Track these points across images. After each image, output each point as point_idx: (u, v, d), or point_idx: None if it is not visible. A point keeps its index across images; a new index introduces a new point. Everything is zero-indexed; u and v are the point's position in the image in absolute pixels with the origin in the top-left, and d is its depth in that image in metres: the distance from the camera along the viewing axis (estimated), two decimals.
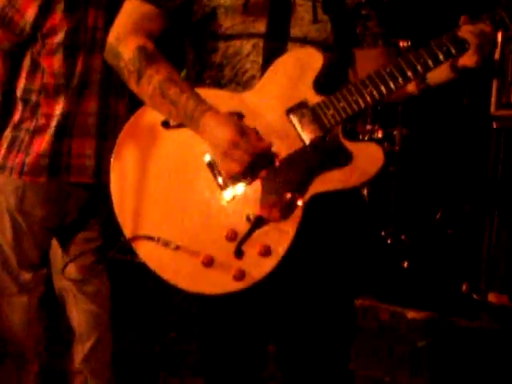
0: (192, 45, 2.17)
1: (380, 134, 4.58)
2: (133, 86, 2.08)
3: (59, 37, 2.96)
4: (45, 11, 2.94)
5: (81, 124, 3.02)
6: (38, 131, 2.98)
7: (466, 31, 1.97)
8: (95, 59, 3.00)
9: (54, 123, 2.97)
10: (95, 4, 3.02)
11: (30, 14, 2.92)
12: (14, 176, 2.98)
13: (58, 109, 2.98)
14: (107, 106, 3.06)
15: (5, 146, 3.04)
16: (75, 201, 3.07)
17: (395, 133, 4.62)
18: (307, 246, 2.04)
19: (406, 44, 4.44)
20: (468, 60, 1.98)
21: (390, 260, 4.44)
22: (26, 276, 3.08)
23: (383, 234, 4.59)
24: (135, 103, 2.17)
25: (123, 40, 2.08)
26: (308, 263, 2.09)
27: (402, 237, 4.61)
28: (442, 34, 2.00)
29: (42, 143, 2.97)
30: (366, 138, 4.51)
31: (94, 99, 3.03)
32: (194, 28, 2.13)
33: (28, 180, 2.97)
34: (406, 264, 4.41)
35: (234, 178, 1.99)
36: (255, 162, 1.95)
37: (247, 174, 1.98)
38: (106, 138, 3.03)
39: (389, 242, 4.56)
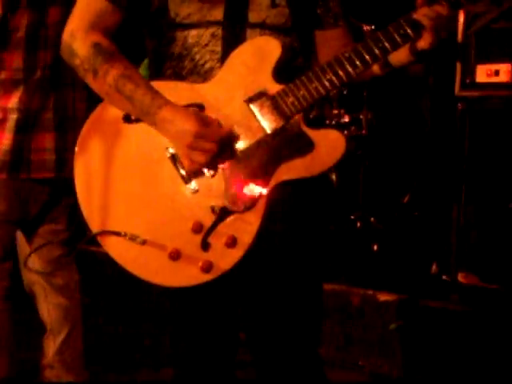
0: (151, 35, 2.16)
1: (347, 119, 4.60)
2: (90, 82, 2.07)
3: (21, 32, 2.94)
4: (11, 9, 2.92)
5: (40, 119, 3.00)
6: None
7: (421, 14, 1.97)
8: (53, 54, 2.99)
9: (13, 117, 2.95)
10: (56, 0, 3.00)
11: None
12: None
13: (15, 103, 2.96)
14: (64, 100, 3.04)
15: None
16: (37, 196, 3.05)
17: (362, 117, 4.63)
18: (273, 234, 2.05)
19: (369, 28, 4.45)
20: (424, 43, 1.98)
21: (360, 244, 4.46)
22: None
23: (352, 217, 4.61)
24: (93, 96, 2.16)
25: (78, 37, 2.06)
26: (274, 250, 2.10)
27: (371, 220, 4.63)
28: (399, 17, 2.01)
29: (3, 138, 2.95)
30: (333, 123, 4.52)
31: (52, 92, 3.02)
32: (151, 18, 2.11)
33: None
34: (375, 247, 4.44)
35: (196, 171, 1.99)
36: (219, 151, 1.95)
37: (211, 164, 1.98)
38: (66, 131, 3.01)
39: (358, 225, 4.59)
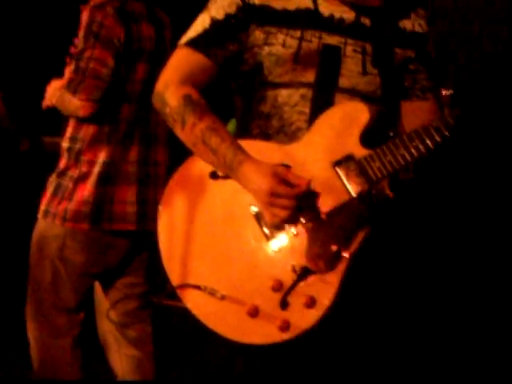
0: (240, 93, 2.22)
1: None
2: (178, 132, 2.13)
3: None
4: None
5: (124, 171, 3.08)
6: (81, 178, 3.04)
7: None
8: (134, 110, 3.08)
9: (96, 170, 3.03)
10: (144, 58, 3.10)
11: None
12: (57, 222, 3.03)
13: (101, 156, 3.04)
14: (147, 154, 3.12)
15: (50, 191, 3.09)
16: (117, 250, 3.11)
17: None
18: (353, 295, 2.06)
19: (448, 93, 4.44)
20: None
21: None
22: (61, 320, 3.11)
23: None
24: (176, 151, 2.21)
25: (170, 87, 2.13)
26: (354, 313, 2.10)
27: None
28: None
29: (85, 190, 3.02)
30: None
31: (135, 147, 3.10)
32: (243, 76, 2.18)
33: (70, 226, 3.02)
34: None
35: (279, 227, 2.02)
36: (299, 207, 1.98)
37: (292, 221, 2.00)
38: (147, 184, 3.08)
39: None
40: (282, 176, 1.99)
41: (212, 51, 2.12)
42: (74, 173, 3.05)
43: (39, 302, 3.10)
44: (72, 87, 2.99)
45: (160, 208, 2.16)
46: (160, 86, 2.15)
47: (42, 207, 3.09)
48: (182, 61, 2.16)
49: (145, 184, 3.09)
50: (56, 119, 3.28)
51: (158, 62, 3.13)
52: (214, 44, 2.12)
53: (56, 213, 3.04)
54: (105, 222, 3.04)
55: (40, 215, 3.09)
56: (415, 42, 2.20)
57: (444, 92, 4.44)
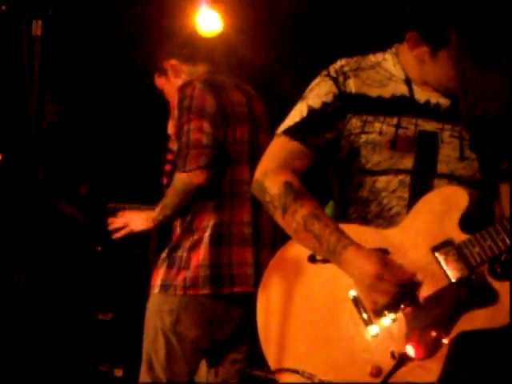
0: (338, 179, 2.24)
1: None
2: (278, 219, 2.15)
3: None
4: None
5: (237, 233, 3.09)
6: (195, 246, 3.06)
7: None
8: (242, 171, 3.11)
9: (207, 234, 3.05)
10: (240, 120, 3.16)
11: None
12: (179, 292, 3.03)
13: (211, 220, 3.07)
14: (259, 215, 3.15)
15: (164, 266, 3.11)
16: (233, 317, 3.11)
17: None
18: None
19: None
20: None
21: None
22: None
23: None
24: None
25: (270, 175, 2.16)
26: None
27: None
28: None
29: (200, 255, 3.04)
30: (503, 259, 4.40)
31: (247, 208, 3.12)
32: (339, 163, 2.20)
33: (192, 294, 3.02)
34: None
35: (379, 313, 2.01)
36: (400, 293, 1.97)
37: (392, 306, 1.99)
38: (260, 246, 3.10)
39: None
40: (387, 262, 1.99)
41: (309, 139, 2.15)
42: (186, 243, 3.08)
43: (154, 378, 3.11)
44: (180, 163, 3.02)
45: (259, 291, 2.18)
46: (259, 174, 2.19)
47: (158, 282, 3.11)
48: (280, 149, 2.20)
49: (259, 246, 3.11)
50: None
51: (258, 125, 3.19)
52: (311, 132, 2.15)
53: (176, 284, 3.05)
54: (226, 285, 3.04)
55: (156, 290, 3.11)
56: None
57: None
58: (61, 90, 5.70)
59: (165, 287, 3.07)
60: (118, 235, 3.25)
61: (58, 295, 5.43)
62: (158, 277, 3.10)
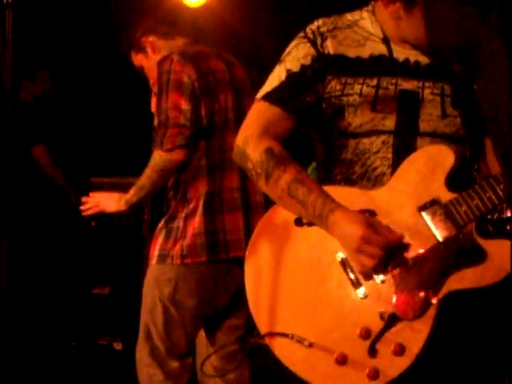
0: (321, 141, 2.22)
1: (509, 213, 4.47)
2: (262, 186, 2.14)
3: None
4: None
5: (228, 199, 3.12)
6: (190, 215, 3.09)
7: None
8: (229, 138, 3.11)
9: (201, 202, 3.08)
10: (222, 87, 3.15)
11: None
12: (176, 261, 3.06)
13: (204, 188, 3.09)
14: (247, 179, 3.14)
15: (161, 237, 3.14)
16: (232, 282, 3.12)
17: None
18: (441, 344, 2.02)
19: None
20: None
21: None
22: (174, 364, 3.13)
23: None
24: None
25: (251, 142, 2.14)
26: (443, 361, 2.07)
27: None
28: None
29: (195, 223, 3.07)
30: (495, 218, 4.41)
31: (236, 174, 3.13)
32: (322, 125, 2.18)
33: (190, 262, 3.05)
34: None
35: (366, 275, 2.01)
36: (388, 255, 1.96)
37: (380, 268, 1.99)
38: (250, 210, 3.10)
39: None
40: (373, 224, 1.98)
41: (289, 104, 2.13)
42: (182, 212, 3.11)
43: (152, 348, 3.13)
44: (158, 141, 3.05)
45: (246, 255, 2.17)
46: (240, 141, 2.17)
47: (156, 252, 3.13)
48: (260, 115, 2.17)
49: (248, 210, 3.13)
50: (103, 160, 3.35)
51: (241, 91, 3.18)
52: (290, 96, 2.12)
53: (173, 254, 3.08)
54: (221, 251, 3.08)
55: (154, 261, 3.13)
56: None
57: None
58: (51, 67, 5.70)
59: (162, 257, 3.09)
60: (86, 213, 3.26)
61: (56, 271, 5.45)
62: (156, 247, 3.13)
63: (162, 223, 3.17)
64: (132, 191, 3.14)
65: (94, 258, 5.50)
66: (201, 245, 3.05)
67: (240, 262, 2.97)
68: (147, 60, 3.32)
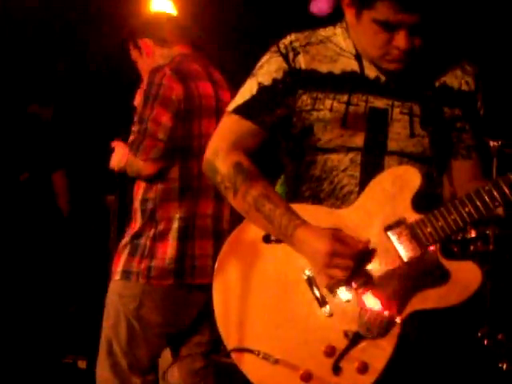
0: (290, 155, 2.24)
1: (473, 234, 4.54)
2: (230, 200, 2.16)
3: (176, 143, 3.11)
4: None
5: (201, 226, 3.12)
6: (160, 236, 3.08)
7: None
8: None
9: (174, 226, 3.08)
10: (207, 113, 3.16)
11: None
12: (141, 281, 3.05)
13: (177, 212, 3.09)
14: (220, 207, 3.16)
15: (126, 253, 3.12)
16: (192, 307, 3.13)
17: (488, 232, 4.56)
18: (405, 361, 2.05)
19: (496, 144, 4.43)
20: None
21: (488, 362, 4.33)
22: (136, 381, 3.12)
23: (479, 334, 4.50)
24: None
25: (220, 155, 2.16)
26: (405, 378, 2.09)
27: (499, 337, 4.50)
28: None
29: (167, 247, 3.07)
30: (459, 238, 4.47)
31: (211, 201, 3.14)
32: (292, 139, 2.20)
33: (155, 283, 3.05)
34: (505, 366, 4.29)
35: (334, 290, 2.03)
36: (358, 265, 1.99)
37: (348, 282, 2.01)
38: (220, 238, 3.11)
39: (485, 342, 4.46)
40: (340, 237, 2.01)
41: (260, 117, 2.15)
42: (150, 231, 3.10)
43: (114, 364, 3.11)
44: (134, 148, 3.07)
45: (215, 273, 2.18)
46: (210, 153, 2.19)
47: (119, 269, 3.12)
48: (230, 128, 2.19)
49: (218, 238, 3.12)
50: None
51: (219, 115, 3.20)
52: (261, 110, 2.15)
53: (139, 271, 3.06)
54: (188, 276, 3.08)
55: (117, 277, 3.12)
56: (462, 100, 2.19)
57: (492, 143, 4.44)
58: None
59: (127, 274, 3.08)
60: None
61: (20, 290, 5.40)
62: (120, 263, 3.12)
63: (126, 239, 3.16)
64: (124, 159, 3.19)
65: (59, 276, 5.47)
66: (169, 269, 3.06)
67: (205, 288, 2.96)
68: (141, 59, 3.34)
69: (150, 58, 3.30)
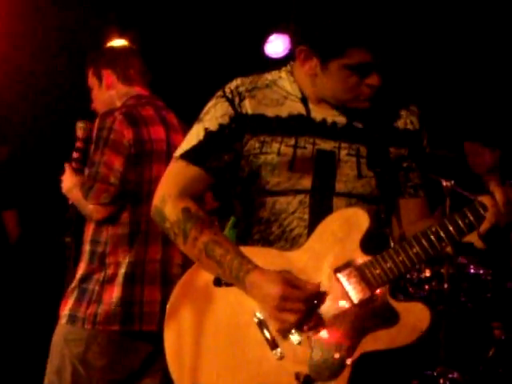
0: (239, 198, 2.25)
1: (428, 273, 4.58)
2: (180, 246, 2.16)
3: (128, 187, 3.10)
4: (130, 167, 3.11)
5: (150, 271, 3.09)
6: (108, 281, 3.05)
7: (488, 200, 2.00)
8: None
9: (122, 271, 3.05)
10: (158, 158, 3.16)
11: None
12: (87, 326, 3.01)
13: (126, 257, 3.07)
14: (168, 252, 3.15)
15: (73, 298, 3.08)
16: (139, 352, 3.09)
17: (443, 271, 4.60)
18: None
19: (449, 184, 4.50)
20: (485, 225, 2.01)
21: None
22: None
23: (435, 374, 4.51)
24: None
25: (168, 202, 2.16)
26: None
27: (455, 375, 4.52)
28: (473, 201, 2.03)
29: (114, 292, 3.03)
30: (414, 277, 4.51)
31: (159, 246, 3.12)
32: (240, 182, 2.22)
33: (101, 329, 3.01)
34: None
35: (285, 333, 2.03)
36: (309, 307, 1.99)
37: (300, 325, 2.01)
38: (167, 283, 3.09)
39: (441, 381, 4.48)
40: (291, 281, 2.01)
41: (207, 163, 2.16)
42: (99, 276, 3.07)
43: None
44: (84, 191, 3.06)
45: (166, 315, 2.17)
46: (158, 200, 2.19)
47: (66, 312, 3.08)
48: (178, 174, 2.20)
49: (166, 284, 3.10)
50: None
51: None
52: (208, 156, 2.16)
53: (85, 317, 3.03)
54: (135, 322, 3.04)
55: (63, 320, 3.07)
56: (408, 140, 2.23)
57: (445, 183, 4.50)
58: None
59: (73, 318, 3.05)
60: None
61: None
62: (67, 307, 3.08)
63: (74, 283, 3.12)
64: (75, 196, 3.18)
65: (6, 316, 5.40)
66: (115, 314, 3.02)
67: (152, 335, 2.98)
68: (98, 89, 3.34)
69: (109, 89, 3.30)
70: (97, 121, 3.12)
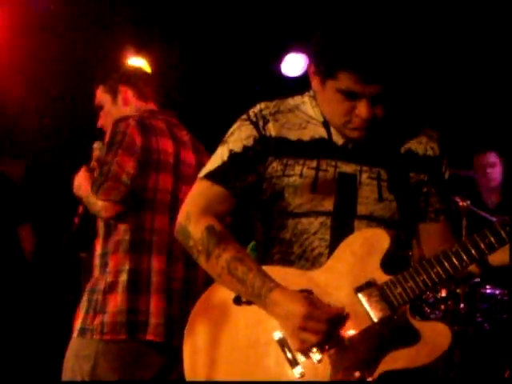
0: (260, 220, 2.27)
1: (444, 293, 4.58)
2: (202, 263, 2.17)
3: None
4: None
5: (154, 282, 3.08)
6: (110, 289, 3.05)
7: None
8: (159, 220, 3.13)
9: (122, 278, 3.05)
10: (163, 169, 3.17)
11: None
12: (96, 336, 3.01)
13: (126, 264, 3.07)
14: (171, 265, 3.13)
15: (83, 310, 3.09)
16: (151, 365, 3.07)
17: (458, 291, 4.60)
18: None
19: (465, 204, 4.50)
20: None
21: None
22: None
23: None
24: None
25: (192, 220, 2.18)
26: None
27: None
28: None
29: (118, 301, 3.03)
30: (430, 297, 4.50)
31: (163, 258, 3.11)
32: (262, 205, 2.24)
33: (109, 338, 3.00)
34: None
35: (306, 353, 2.03)
36: (332, 329, 2.00)
37: (321, 345, 2.01)
38: (171, 296, 3.10)
39: None
40: (314, 301, 2.02)
41: (231, 183, 2.19)
42: (101, 285, 3.08)
43: None
44: (95, 188, 3.07)
45: (185, 334, 2.18)
46: (182, 218, 2.21)
47: (78, 326, 3.09)
48: (202, 193, 2.23)
49: (170, 296, 3.10)
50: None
51: (183, 178, 3.21)
52: (232, 176, 2.19)
53: (93, 328, 3.03)
54: (142, 331, 3.04)
55: (75, 334, 3.09)
56: (428, 165, 2.26)
57: (461, 203, 4.51)
58: None
59: (83, 331, 3.06)
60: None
61: None
62: (78, 320, 3.09)
63: (85, 295, 3.14)
64: (85, 192, 3.18)
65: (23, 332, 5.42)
66: (121, 323, 3.02)
67: (161, 349, 3.00)
68: (112, 105, 3.36)
69: (125, 106, 3.33)
70: (111, 127, 3.14)
